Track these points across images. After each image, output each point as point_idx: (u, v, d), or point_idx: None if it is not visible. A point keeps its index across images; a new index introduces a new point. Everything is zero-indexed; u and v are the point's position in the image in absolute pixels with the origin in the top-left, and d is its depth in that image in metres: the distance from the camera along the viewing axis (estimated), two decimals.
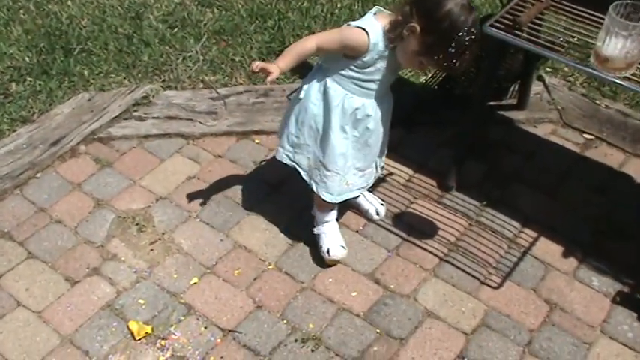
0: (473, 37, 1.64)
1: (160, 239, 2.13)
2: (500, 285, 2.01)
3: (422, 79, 2.75)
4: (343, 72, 1.80)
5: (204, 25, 3.01)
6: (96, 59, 2.81)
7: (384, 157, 2.10)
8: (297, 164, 1.96)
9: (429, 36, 1.66)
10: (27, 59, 2.78)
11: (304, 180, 1.97)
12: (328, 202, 1.98)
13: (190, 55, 2.85)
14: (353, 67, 1.78)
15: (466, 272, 2.04)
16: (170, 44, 2.90)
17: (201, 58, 2.84)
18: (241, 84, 2.74)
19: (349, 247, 2.10)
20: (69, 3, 3.11)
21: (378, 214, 2.18)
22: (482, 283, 2.02)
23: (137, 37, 2.93)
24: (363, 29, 1.72)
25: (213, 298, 1.97)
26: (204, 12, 3.10)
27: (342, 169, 1.91)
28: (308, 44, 1.77)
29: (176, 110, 2.60)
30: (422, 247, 2.11)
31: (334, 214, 2.07)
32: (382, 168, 2.12)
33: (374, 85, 1.82)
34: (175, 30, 2.98)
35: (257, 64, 1.74)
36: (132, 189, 2.30)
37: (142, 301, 1.95)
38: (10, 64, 2.77)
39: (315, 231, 2.08)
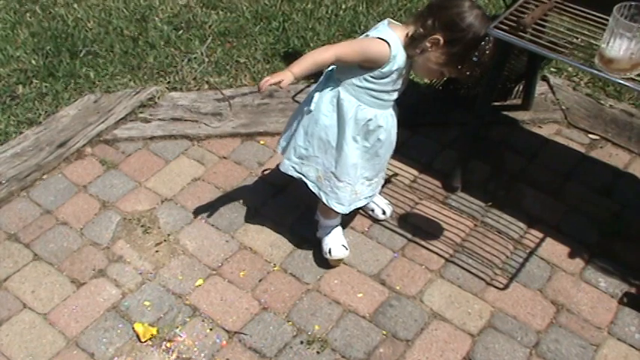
0: (491, 44, 1.71)
1: (165, 241, 2.14)
2: (506, 286, 2.01)
3: (426, 79, 2.74)
4: (357, 83, 1.78)
5: (209, 26, 3.02)
6: (102, 61, 2.82)
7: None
8: (305, 175, 1.93)
9: (453, 47, 1.70)
10: (33, 62, 2.80)
11: (312, 191, 1.95)
12: (337, 212, 1.98)
13: (195, 57, 2.85)
14: (368, 78, 1.76)
15: (472, 273, 2.04)
16: (175, 46, 2.91)
17: (206, 59, 2.84)
18: (246, 85, 2.74)
19: (355, 248, 2.10)
20: (75, 6, 3.13)
21: (384, 213, 2.18)
22: (489, 284, 2.01)
23: (142, 39, 2.94)
24: (385, 40, 1.71)
25: (219, 299, 1.97)
26: (209, 14, 3.11)
27: (352, 180, 1.91)
28: (326, 54, 1.72)
29: (181, 112, 2.61)
30: (427, 248, 2.11)
31: (338, 219, 2.07)
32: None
33: (387, 96, 1.82)
34: (180, 32, 2.99)
35: (265, 84, 1.67)
36: (137, 190, 2.30)
37: (147, 303, 1.96)
38: (17, 66, 2.78)
39: (319, 235, 2.09)
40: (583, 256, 2.09)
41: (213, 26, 3.02)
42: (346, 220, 2.18)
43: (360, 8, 3.13)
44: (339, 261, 2.06)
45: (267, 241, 2.14)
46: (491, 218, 2.20)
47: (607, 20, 1.58)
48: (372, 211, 2.19)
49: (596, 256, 2.09)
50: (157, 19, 3.06)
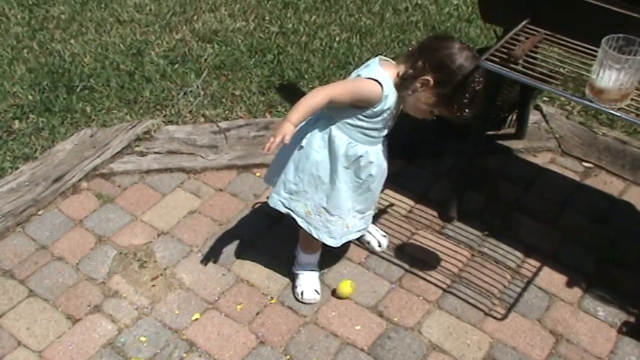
0: (480, 85, 1.73)
1: (161, 275, 2.13)
2: (504, 316, 2.00)
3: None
4: (350, 121, 1.79)
5: (205, 60, 3.05)
6: (98, 96, 2.84)
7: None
8: (293, 211, 1.93)
9: (443, 88, 1.72)
10: (30, 97, 2.82)
11: (301, 227, 1.95)
12: (331, 246, 1.98)
13: (191, 90, 2.88)
14: (361, 117, 1.78)
15: (470, 304, 2.03)
16: (171, 80, 2.94)
17: (202, 92, 2.87)
18: (242, 117, 2.76)
19: (352, 279, 2.09)
20: (72, 41, 3.16)
21: (380, 245, 2.18)
22: (487, 314, 2.00)
23: (139, 73, 2.97)
24: (377, 80, 1.74)
25: (216, 334, 1.96)
26: (204, 47, 3.14)
27: (344, 214, 1.92)
28: (319, 98, 1.73)
29: (177, 145, 2.62)
30: (425, 279, 2.11)
31: (316, 257, 2.07)
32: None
33: (377, 133, 1.84)
34: (176, 65, 3.02)
35: (272, 146, 1.67)
36: (133, 224, 2.30)
37: (143, 339, 1.94)
38: (14, 102, 2.80)
39: (294, 270, 2.09)
40: (581, 285, 2.08)
41: (209, 60, 3.05)
42: (343, 252, 2.18)
43: (354, 40, 3.17)
44: (310, 304, 2.04)
45: (263, 273, 2.13)
46: (488, 248, 2.20)
47: (596, 51, 1.60)
48: (369, 243, 2.19)
49: (594, 284, 2.08)
50: (152, 53, 3.09)
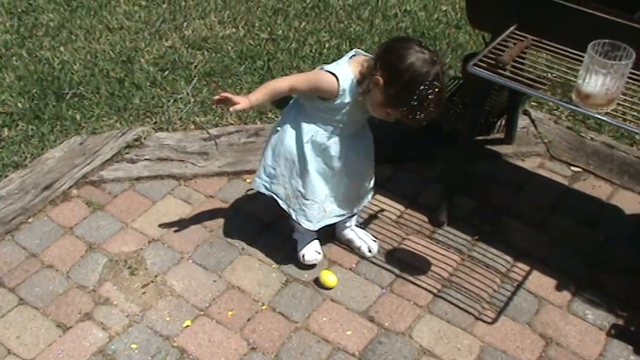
0: (436, 89, 1.68)
1: (152, 282, 2.12)
2: (494, 320, 2.01)
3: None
4: (317, 110, 1.87)
5: (195, 67, 3.06)
6: (88, 103, 2.84)
7: (369, 196, 2.14)
8: (275, 194, 2.02)
9: (392, 89, 1.71)
10: (19, 105, 2.81)
11: (282, 208, 2.03)
12: (308, 229, 2.04)
13: (181, 97, 2.88)
14: (325, 108, 1.84)
15: (460, 308, 2.04)
16: (161, 87, 2.94)
17: (192, 99, 2.87)
18: (232, 124, 2.77)
19: (343, 285, 2.10)
20: (61, 49, 3.16)
21: (370, 250, 2.19)
22: (477, 318, 2.01)
23: (128, 80, 2.97)
24: (334, 75, 1.77)
25: (207, 340, 1.95)
26: (194, 54, 3.15)
27: (319, 198, 1.98)
28: (281, 84, 1.85)
29: (167, 152, 2.62)
30: (415, 284, 2.11)
31: (314, 232, 2.12)
32: (365, 202, 2.15)
33: (342, 126, 1.89)
34: (166, 73, 3.02)
35: (220, 95, 1.81)
36: (124, 231, 2.29)
37: (134, 346, 1.93)
38: (2, 110, 2.78)
39: (294, 236, 2.15)
40: (570, 289, 2.10)
41: (199, 66, 3.06)
42: (333, 257, 2.19)
43: (344, 47, 3.19)
44: (312, 265, 2.11)
45: (254, 279, 2.13)
46: (477, 252, 2.22)
47: (583, 57, 1.62)
48: (359, 248, 2.19)
49: (583, 288, 2.10)
50: (142, 60, 3.09)
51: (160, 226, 2.31)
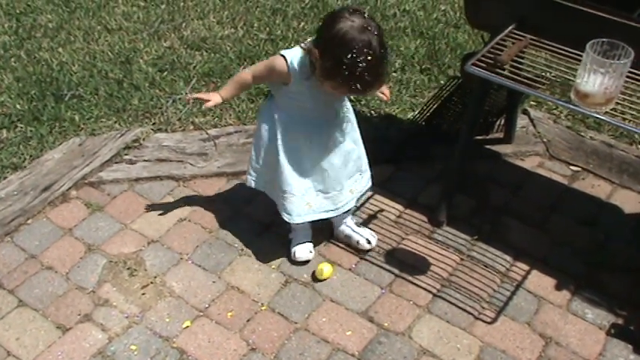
0: (368, 57, 1.62)
1: (151, 283, 2.12)
2: (494, 320, 2.00)
3: (409, 115, 2.79)
4: (285, 98, 1.91)
5: (194, 67, 3.06)
6: (86, 104, 2.83)
7: (363, 189, 2.14)
8: (263, 188, 2.10)
9: (326, 60, 1.69)
10: (18, 106, 2.81)
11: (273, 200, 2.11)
12: (290, 222, 2.07)
13: (180, 98, 2.88)
14: (290, 94, 1.88)
15: (460, 308, 2.04)
16: (160, 87, 2.94)
17: (191, 100, 2.87)
18: (231, 125, 2.77)
19: (342, 286, 2.10)
20: (60, 50, 3.15)
21: (369, 242, 2.19)
22: (477, 318, 2.01)
23: (127, 81, 2.96)
24: (284, 57, 1.81)
25: (207, 341, 1.95)
26: (193, 55, 3.14)
27: (297, 191, 1.99)
28: (245, 75, 1.94)
29: (166, 152, 2.62)
30: (415, 284, 2.11)
31: (307, 225, 2.14)
32: (369, 183, 2.16)
33: (313, 110, 1.91)
34: (165, 73, 3.02)
35: (194, 95, 2.01)
36: (123, 233, 2.29)
37: (133, 347, 1.93)
38: (1, 111, 2.78)
39: (290, 235, 2.17)
40: (569, 288, 2.10)
41: (198, 67, 3.05)
42: (333, 258, 2.19)
43: None
44: (303, 262, 2.13)
45: (254, 280, 2.13)
46: (477, 252, 2.21)
47: (582, 56, 1.62)
48: (358, 242, 2.19)
49: (583, 287, 2.10)
50: (141, 61, 3.09)
51: (158, 227, 2.31)
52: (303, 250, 2.13)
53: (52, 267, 2.17)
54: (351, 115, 2.03)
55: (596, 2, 1.76)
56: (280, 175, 1.98)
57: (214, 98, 1.95)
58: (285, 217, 2.06)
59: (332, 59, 1.66)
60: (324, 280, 2.11)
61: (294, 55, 1.81)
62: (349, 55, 1.62)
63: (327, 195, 2.04)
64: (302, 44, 1.82)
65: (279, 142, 1.95)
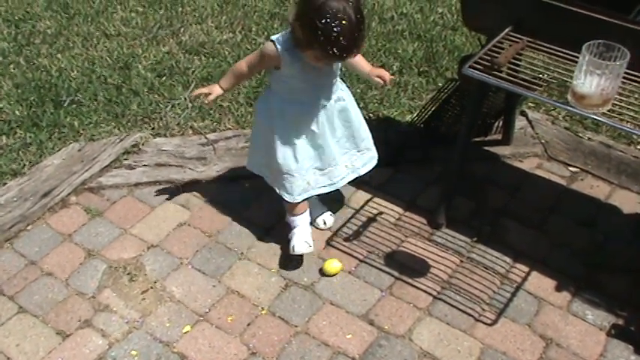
0: (342, 21, 1.69)
1: (151, 288, 2.12)
2: (494, 322, 2.01)
3: (408, 117, 2.79)
4: (279, 83, 1.98)
5: (192, 72, 3.06)
6: (86, 110, 2.84)
7: (366, 161, 2.20)
8: (262, 173, 2.20)
9: (303, 29, 1.76)
10: (17, 112, 2.81)
11: (269, 184, 2.18)
12: (289, 202, 2.13)
13: (179, 103, 2.88)
14: (283, 78, 1.95)
15: (460, 310, 2.04)
16: (159, 92, 2.94)
17: (189, 105, 2.87)
18: (230, 129, 2.77)
19: (342, 289, 2.10)
20: (59, 56, 3.16)
21: (325, 223, 2.29)
22: (477, 320, 2.01)
23: (126, 86, 2.97)
24: (272, 41, 1.88)
25: (207, 346, 1.95)
26: (191, 60, 3.15)
27: (297, 171, 2.06)
28: (239, 65, 2.04)
29: (166, 157, 2.62)
30: (415, 286, 2.11)
31: (304, 218, 2.18)
32: (373, 161, 2.23)
33: (307, 90, 1.98)
34: (164, 78, 3.03)
35: (195, 92, 2.08)
36: (123, 238, 2.30)
37: (134, 353, 1.93)
38: (0, 118, 2.79)
39: (289, 235, 2.18)
40: (569, 289, 2.10)
41: (196, 72, 3.06)
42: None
43: None
44: (300, 255, 2.16)
45: (254, 284, 2.13)
46: (476, 254, 2.22)
47: (579, 57, 1.63)
48: (314, 220, 2.27)
49: (583, 288, 2.10)
50: (140, 66, 3.09)
51: (158, 232, 2.31)
52: (301, 244, 2.14)
53: (52, 273, 2.17)
54: (345, 95, 2.09)
55: (591, 3, 1.77)
56: (279, 159, 2.05)
57: (215, 90, 2.06)
58: (287, 198, 2.12)
59: (307, 26, 1.74)
60: (334, 275, 2.14)
61: (281, 38, 1.89)
62: (323, 20, 1.70)
63: (324, 171, 2.12)
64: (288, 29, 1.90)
65: (276, 126, 2.02)
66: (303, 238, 2.15)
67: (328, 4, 1.70)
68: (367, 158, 2.21)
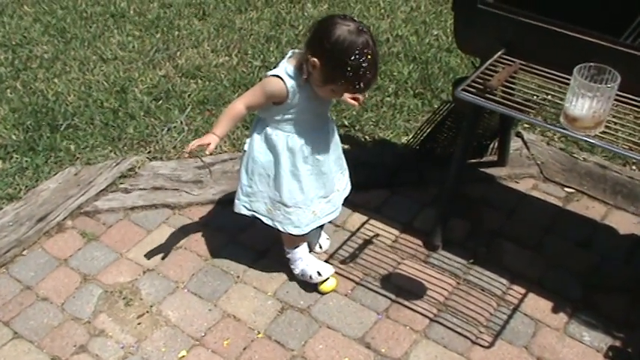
0: (368, 56, 1.74)
1: (147, 312, 2.11)
2: (491, 344, 2.00)
3: (404, 139, 2.80)
4: (278, 118, 1.93)
5: (189, 95, 3.08)
6: (82, 134, 2.85)
7: (348, 188, 2.18)
8: (256, 212, 2.07)
9: (327, 66, 1.77)
10: (14, 137, 2.82)
11: (267, 225, 2.07)
12: (297, 236, 2.07)
13: (175, 126, 2.89)
14: (284, 112, 1.90)
15: (457, 332, 2.03)
16: (155, 116, 2.95)
17: (185, 128, 2.88)
18: (226, 152, 2.78)
19: (338, 312, 2.09)
20: (55, 80, 3.18)
21: (321, 247, 2.28)
22: (474, 342, 2.00)
23: (122, 110, 2.98)
24: (278, 76, 1.85)
25: None
26: (188, 83, 3.17)
27: (303, 203, 2.02)
28: (237, 107, 1.92)
29: (162, 181, 2.63)
30: (411, 309, 2.11)
31: (304, 248, 2.15)
32: (349, 185, 2.19)
33: (309, 120, 1.95)
34: (160, 102, 3.04)
35: (190, 146, 1.89)
36: (119, 262, 2.29)
37: None
38: None
39: (297, 271, 2.15)
40: (566, 311, 2.09)
41: (192, 95, 3.08)
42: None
43: None
44: (330, 283, 2.14)
45: (250, 307, 2.12)
46: (473, 275, 2.21)
47: (570, 80, 1.64)
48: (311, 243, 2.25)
49: (579, 309, 2.09)
50: (136, 90, 3.11)
51: (154, 255, 2.31)
52: (322, 266, 2.13)
53: (48, 298, 2.16)
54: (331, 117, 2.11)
55: (583, 27, 1.79)
56: (285, 193, 2.00)
57: (212, 140, 1.89)
58: (295, 231, 2.04)
59: (336, 64, 1.75)
60: (329, 292, 2.15)
61: (286, 72, 1.86)
62: (352, 57, 1.73)
63: (328, 198, 2.09)
64: (288, 58, 1.88)
65: (282, 161, 1.96)
66: (317, 262, 2.15)
67: (355, 41, 1.73)
68: (347, 178, 2.17)
